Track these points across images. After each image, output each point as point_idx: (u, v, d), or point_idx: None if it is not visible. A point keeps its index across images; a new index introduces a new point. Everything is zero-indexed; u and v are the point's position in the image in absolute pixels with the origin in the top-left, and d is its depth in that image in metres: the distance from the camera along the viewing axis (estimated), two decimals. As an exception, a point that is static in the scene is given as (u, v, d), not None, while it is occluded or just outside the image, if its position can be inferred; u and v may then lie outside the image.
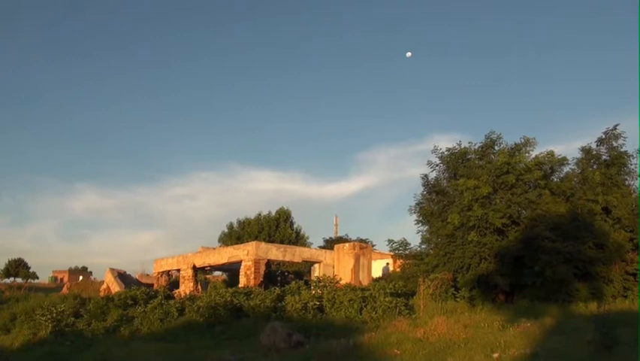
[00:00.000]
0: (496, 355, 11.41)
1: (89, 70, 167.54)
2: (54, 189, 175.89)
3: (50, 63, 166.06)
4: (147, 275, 53.68)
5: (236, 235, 57.71)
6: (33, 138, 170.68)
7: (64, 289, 55.64)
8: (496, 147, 26.55)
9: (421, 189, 28.43)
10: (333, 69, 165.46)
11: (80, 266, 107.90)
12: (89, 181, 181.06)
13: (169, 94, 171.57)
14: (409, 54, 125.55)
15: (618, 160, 25.26)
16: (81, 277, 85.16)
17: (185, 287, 39.80)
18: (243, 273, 35.67)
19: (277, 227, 58.65)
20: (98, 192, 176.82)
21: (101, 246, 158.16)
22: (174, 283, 45.43)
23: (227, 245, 48.72)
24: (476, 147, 26.96)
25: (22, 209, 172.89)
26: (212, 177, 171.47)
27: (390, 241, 28.63)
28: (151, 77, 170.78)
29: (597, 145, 26.09)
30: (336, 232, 63.03)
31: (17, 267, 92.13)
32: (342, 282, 29.11)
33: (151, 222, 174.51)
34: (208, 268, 45.18)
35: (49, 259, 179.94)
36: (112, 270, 48.03)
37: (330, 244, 49.45)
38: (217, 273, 59.54)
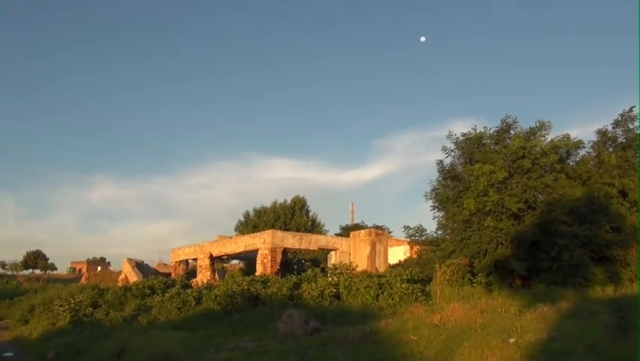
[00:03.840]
0: (512, 340, 11.37)
1: (106, 62, 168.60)
2: (73, 181, 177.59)
3: (67, 55, 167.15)
4: (165, 265, 53.97)
5: (252, 223, 57.87)
6: (51, 130, 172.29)
7: (83, 280, 56.23)
8: (512, 132, 26.37)
9: (437, 175, 28.30)
10: (348, 56, 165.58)
11: (98, 257, 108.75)
12: (108, 173, 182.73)
13: (187, 84, 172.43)
14: (423, 39, 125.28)
15: (634, 142, 25.06)
16: (99, 268, 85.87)
17: (203, 276, 40.01)
18: (260, 261, 35.81)
19: (293, 215, 58.77)
20: (116, 184, 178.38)
21: (119, 236, 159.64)
22: (191, 273, 45.70)
23: (243, 234, 48.86)
24: (491, 131, 26.76)
25: (41, 201, 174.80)
26: (230, 166, 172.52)
27: (406, 228, 28.59)
28: (168, 68, 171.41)
29: (613, 127, 25.93)
30: (353, 219, 63.24)
31: (36, 258, 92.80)
32: (359, 269, 29.15)
33: (169, 212, 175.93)
34: (225, 256, 45.38)
35: (67, 250, 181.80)
36: (129, 260, 48.35)
37: (346, 232, 49.53)
38: (234, 262, 59.85)
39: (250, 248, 37.83)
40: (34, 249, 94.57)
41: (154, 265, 53.94)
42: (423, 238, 28.42)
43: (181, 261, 46.10)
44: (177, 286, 27.57)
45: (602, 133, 26.11)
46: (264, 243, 35.94)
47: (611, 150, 25.57)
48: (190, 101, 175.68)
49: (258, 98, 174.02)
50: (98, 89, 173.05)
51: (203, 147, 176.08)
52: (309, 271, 28.30)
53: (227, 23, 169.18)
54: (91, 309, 26.37)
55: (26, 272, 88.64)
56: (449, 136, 27.47)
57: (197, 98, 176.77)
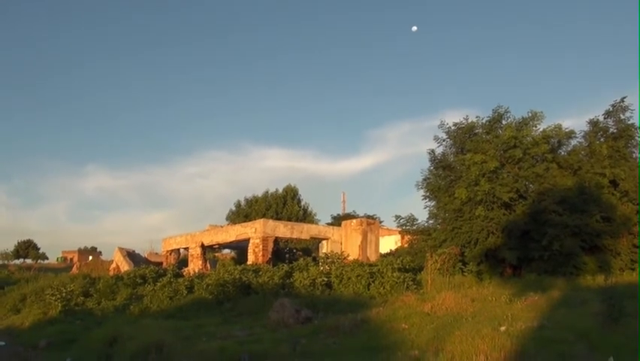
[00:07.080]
0: (503, 328, 11.40)
1: (99, 51, 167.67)
2: (65, 171, 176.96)
3: (61, 45, 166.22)
4: (156, 254, 53.99)
5: (244, 212, 57.87)
6: (44, 120, 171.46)
7: (74, 269, 56.02)
8: (504, 121, 26.40)
9: (429, 164, 28.32)
10: (342, 47, 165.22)
11: (89, 246, 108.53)
12: (101, 162, 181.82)
13: (181, 74, 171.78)
14: (414, 28, 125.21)
15: (626, 133, 25.11)
16: (90, 257, 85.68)
17: (194, 265, 39.98)
18: (252, 250, 35.77)
19: (285, 204, 58.80)
20: (109, 173, 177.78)
21: (111, 226, 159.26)
22: (183, 262, 45.64)
23: (235, 223, 48.82)
24: (483, 121, 26.81)
25: (33, 191, 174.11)
26: (225, 155, 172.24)
27: (397, 217, 28.63)
28: (162, 57, 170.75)
29: (605, 118, 25.93)
30: (344, 209, 63.28)
31: (27, 248, 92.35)
32: (350, 258, 29.16)
33: (161, 201, 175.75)
34: (216, 246, 45.36)
35: (58, 239, 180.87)
36: (121, 249, 48.29)
37: (337, 221, 49.55)
38: (225, 251, 59.80)
39: (242, 237, 37.80)
40: (25, 238, 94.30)
41: (145, 254, 53.91)
42: (414, 228, 28.45)
43: (172, 250, 46.04)
44: (169, 275, 27.54)
45: (593, 123, 26.12)
46: (256, 232, 35.90)
47: (602, 140, 25.59)
48: (185, 92, 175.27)
49: (252, 88, 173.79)
50: (91, 80, 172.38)
51: (197, 137, 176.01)
52: (301, 260, 28.29)
53: (222, 15, 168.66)
54: (82, 298, 26.26)
55: (17, 261, 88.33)
56: (441, 125, 27.53)
57: (192, 89, 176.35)
